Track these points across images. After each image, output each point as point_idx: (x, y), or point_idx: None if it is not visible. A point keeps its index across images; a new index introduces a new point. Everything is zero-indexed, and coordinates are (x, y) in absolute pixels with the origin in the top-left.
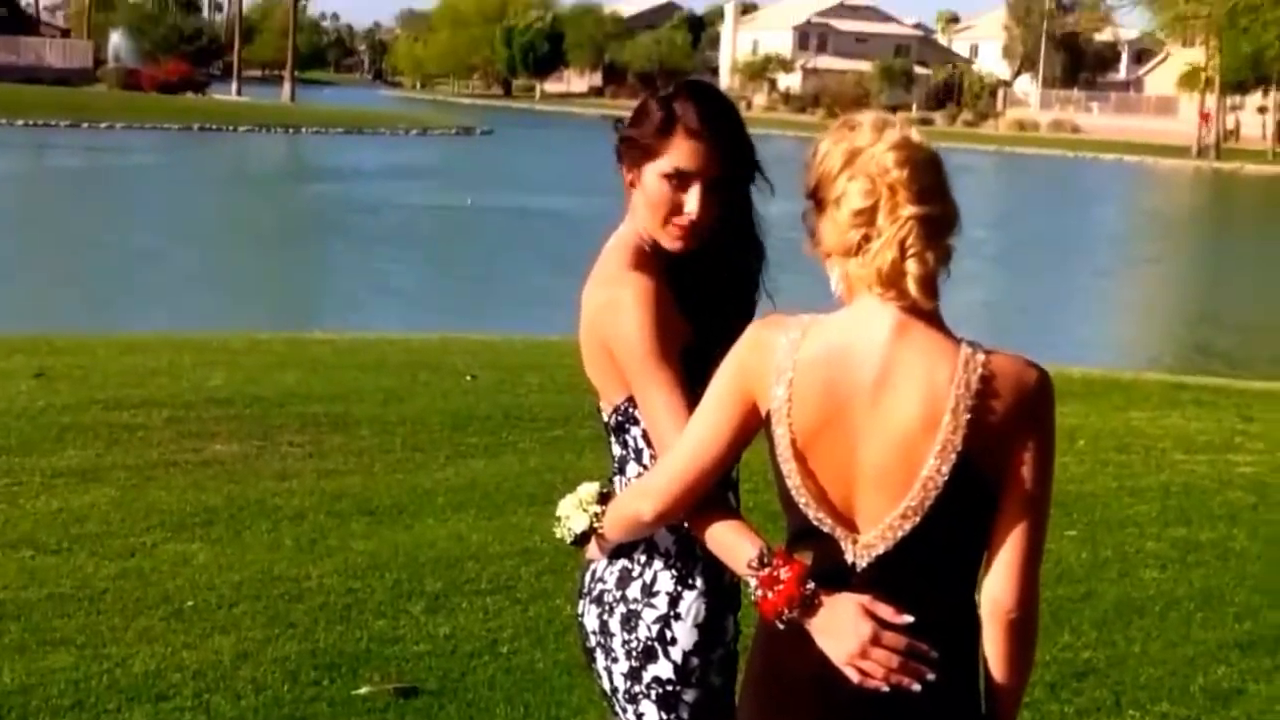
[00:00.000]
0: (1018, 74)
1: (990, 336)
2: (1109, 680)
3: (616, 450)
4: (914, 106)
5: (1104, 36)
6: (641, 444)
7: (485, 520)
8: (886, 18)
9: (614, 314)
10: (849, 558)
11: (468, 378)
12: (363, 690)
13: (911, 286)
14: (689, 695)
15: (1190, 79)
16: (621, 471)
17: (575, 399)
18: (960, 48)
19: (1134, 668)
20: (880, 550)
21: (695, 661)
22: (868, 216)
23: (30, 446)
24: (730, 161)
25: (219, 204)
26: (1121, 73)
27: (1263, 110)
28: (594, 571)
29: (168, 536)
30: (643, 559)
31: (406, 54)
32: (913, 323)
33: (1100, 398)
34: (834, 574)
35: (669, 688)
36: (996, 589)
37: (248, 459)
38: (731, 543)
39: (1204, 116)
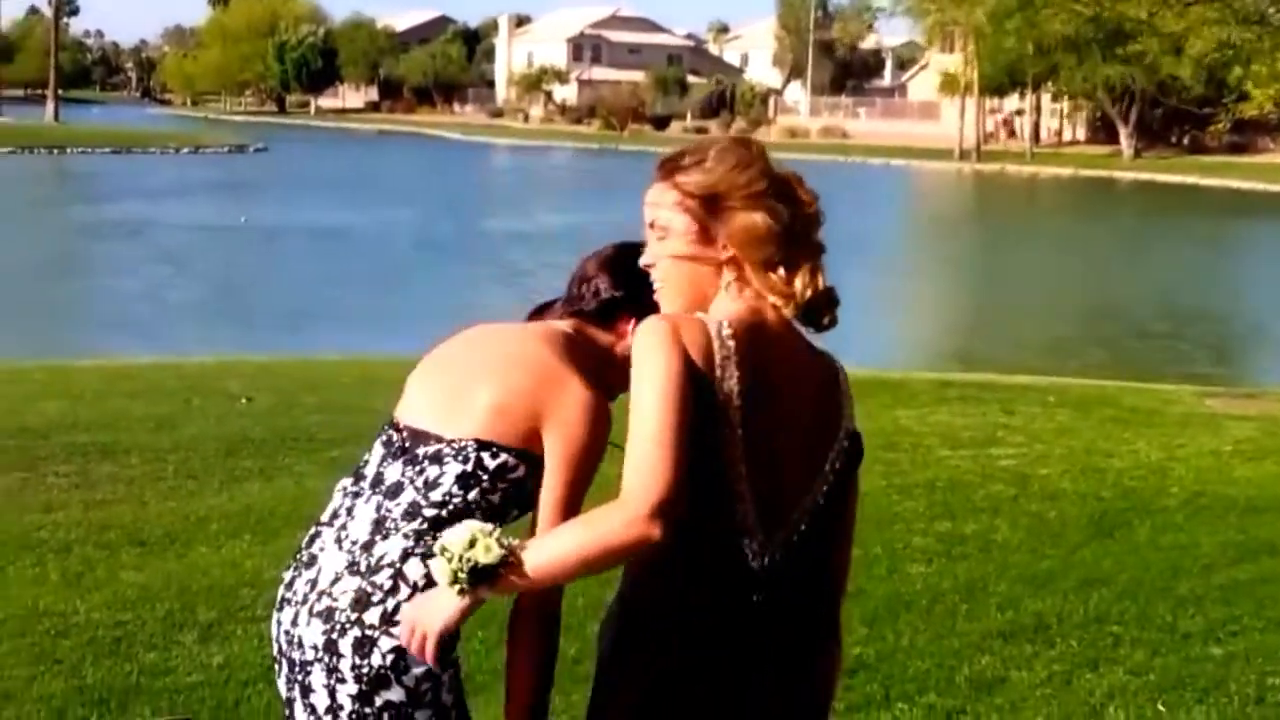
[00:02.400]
0: (787, 82)
1: None
2: (879, 675)
3: (436, 495)
4: (688, 115)
5: (868, 44)
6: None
7: (260, 545)
8: (658, 28)
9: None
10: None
11: (243, 400)
12: None
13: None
14: (421, 716)
15: (950, 84)
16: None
17: (353, 419)
18: (731, 57)
19: (902, 661)
20: (780, 554)
21: (427, 685)
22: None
23: None
24: None
25: None
26: (886, 79)
27: (1020, 114)
28: (313, 582)
29: None
30: (387, 585)
31: (176, 71)
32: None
33: (869, 397)
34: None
35: (402, 711)
36: None
37: (11, 492)
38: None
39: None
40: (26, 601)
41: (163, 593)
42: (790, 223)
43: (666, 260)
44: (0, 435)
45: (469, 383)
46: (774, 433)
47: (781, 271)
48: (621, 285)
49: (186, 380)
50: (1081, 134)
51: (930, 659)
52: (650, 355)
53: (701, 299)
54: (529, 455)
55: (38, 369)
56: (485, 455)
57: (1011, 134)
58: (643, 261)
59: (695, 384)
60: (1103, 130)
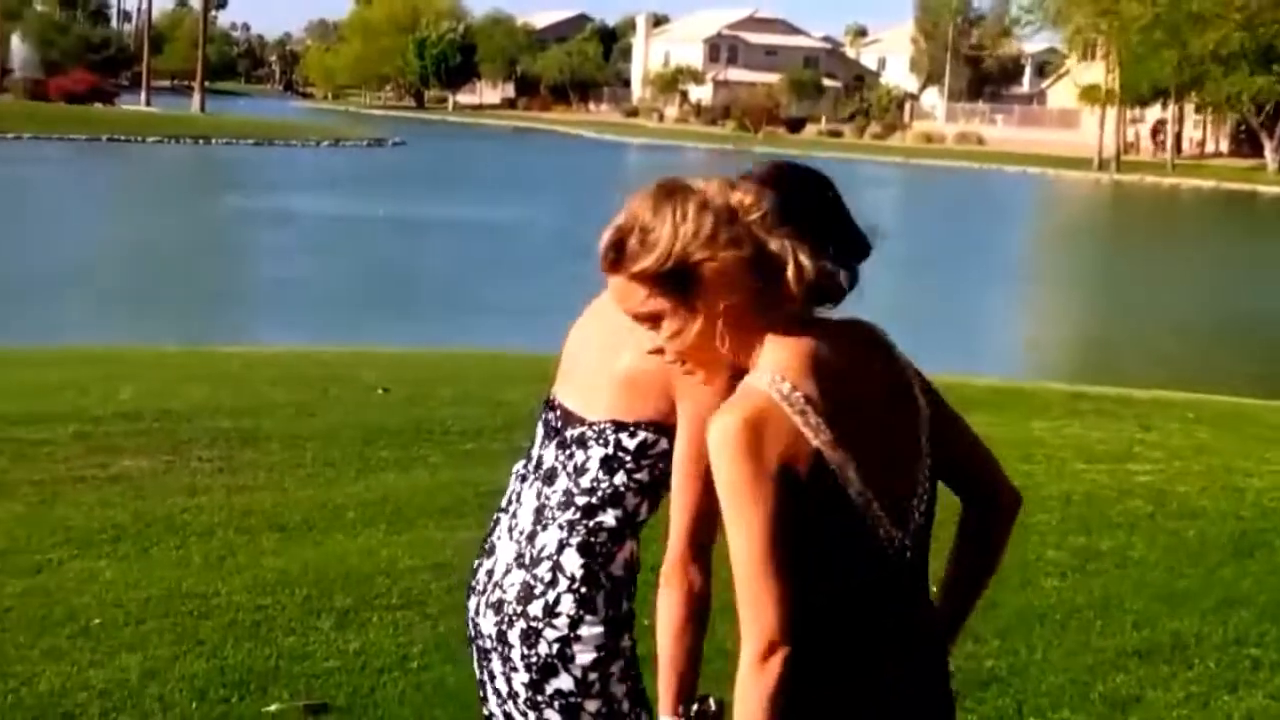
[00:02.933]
0: (924, 87)
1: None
2: (1011, 689)
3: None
4: (823, 119)
5: (1007, 51)
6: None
7: (395, 535)
8: (795, 30)
9: None
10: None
11: (379, 391)
12: (272, 708)
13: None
14: (591, 705)
15: (1091, 93)
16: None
17: (487, 411)
18: (868, 60)
19: (1035, 676)
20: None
21: (595, 676)
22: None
23: None
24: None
25: (126, 216)
26: (1025, 86)
27: (1162, 124)
28: (490, 572)
29: (75, 553)
30: (547, 578)
31: (317, 64)
32: None
33: (1005, 408)
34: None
35: (571, 699)
36: None
37: (156, 474)
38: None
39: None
40: (170, 583)
41: (301, 578)
42: (754, 235)
43: (678, 347)
44: (146, 418)
45: (604, 355)
46: (873, 439)
47: (778, 285)
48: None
49: (325, 369)
50: (1224, 146)
51: (1064, 674)
52: (735, 484)
53: (733, 355)
54: (665, 428)
55: (183, 354)
56: (624, 436)
57: (1160, 144)
58: (654, 351)
59: (790, 482)
60: (1246, 143)
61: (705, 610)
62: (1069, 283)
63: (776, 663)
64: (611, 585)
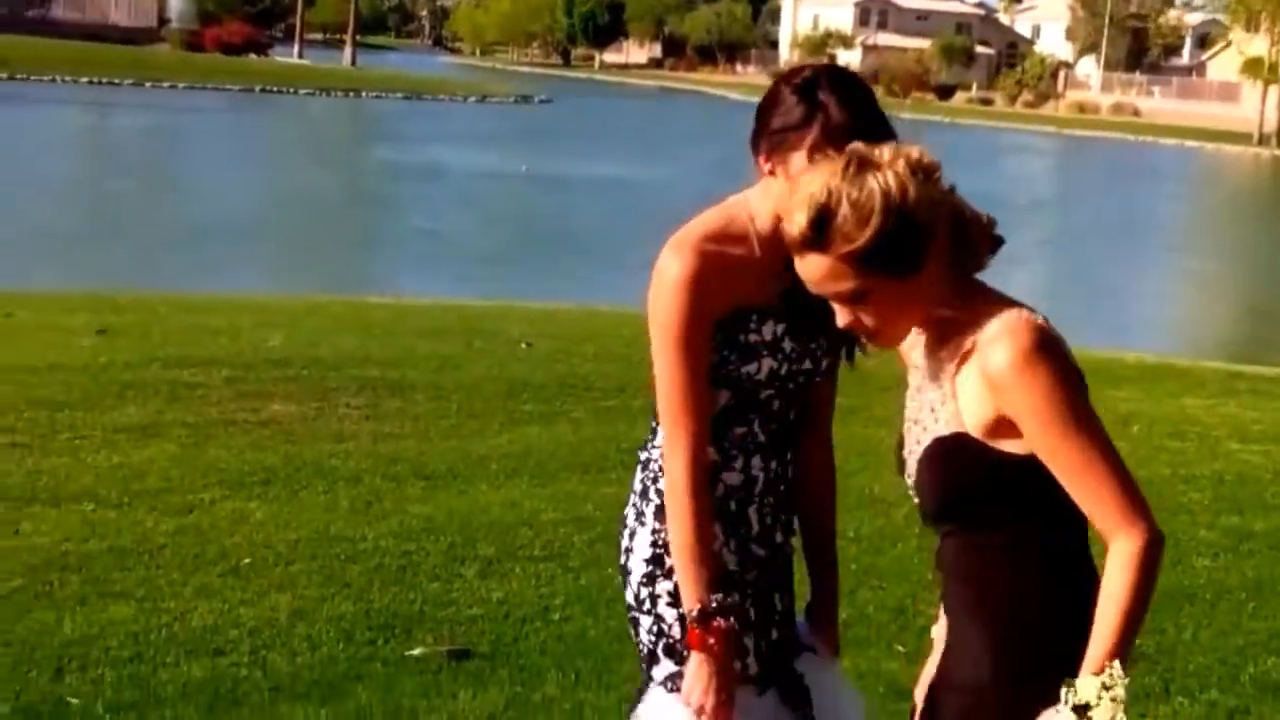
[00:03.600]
0: (1080, 56)
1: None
2: (1159, 667)
3: None
4: (974, 86)
5: (1168, 21)
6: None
7: (539, 487)
8: None
9: (656, 281)
10: None
11: (523, 345)
12: (416, 651)
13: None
14: (644, 622)
15: (1254, 66)
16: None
17: (630, 369)
18: (1022, 27)
19: (1184, 655)
20: None
21: (645, 592)
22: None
23: (92, 402)
24: None
25: (277, 167)
26: (1185, 58)
27: None
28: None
29: (226, 494)
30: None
31: (467, 20)
32: None
33: (1155, 383)
34: None
35: (630, 613)
36: None
37: (305, 420)
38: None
39: None
40: (318, 526)
41: (445, 526)
42: (947, 193)
43: (881, 321)
44: (295, 365)
45: None
46: None
47: (968, 241)
48: None
49: (469, 322)
50: None
51: (1213, 655)
52: (1058, 384)
53: (924, 319)
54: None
55: (331, 303)
56: None
57: None
58: (848, 326)
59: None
60: None
61: None
62: (1226, 259)
63: (1157, 531)
64: (660, 501)
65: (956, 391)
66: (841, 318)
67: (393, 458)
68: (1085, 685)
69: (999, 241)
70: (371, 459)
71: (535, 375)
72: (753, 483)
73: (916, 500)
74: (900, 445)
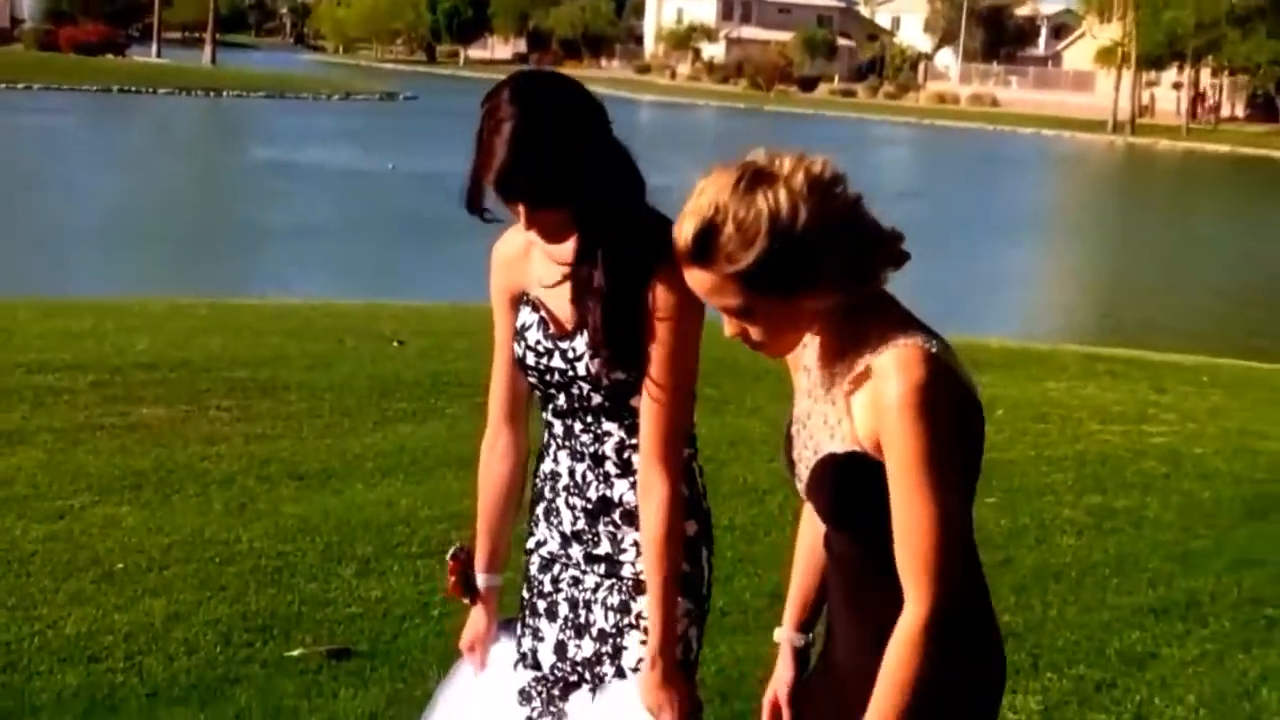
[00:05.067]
0: (938, 47)
1: (909, 308)
2: (1027, 644)
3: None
4: (835, 78)
5: (1024, 11)
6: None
7: (414, 485)
8: None
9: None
10: None
11: (395, 343)
12: (295, 652)
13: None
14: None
15: (1107, 55)
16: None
17: None
18: (882, 20)
19: (1051, 631)
20: None
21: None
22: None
23: None
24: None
25: (138, 168)
26: (1040, 48)
27: (1178, 87)
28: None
29: (96, 499)
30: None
31: (329, 17)
32: None
33: (1017, 368)
34: None
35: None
36: None
37: (175, 423)
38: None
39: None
40: (192, 529)
41: (321, 526)
42: (850, 205)
43: (767, 335)
44: (163, 368)
45: None
46: None
47: (869, 256)
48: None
49: (338, 320)
50: (1240, 110)
51: (1080, 631)
52: (930, 437)
53: (817, 330)
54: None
55: (199, 305)
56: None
57: (1207, 109)
58: (735, 336)
59: (973, 440)
60: (1263, 108)
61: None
62: (1082, 245)
63: (938, 630)
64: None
65: (851, 410)
66: (728, 329)
67: (265, 458)
68: None
69: (903, 257)
70: (244, 460)
71: (408, 373)
72: (557, 476)
73: (808, 502)
74: (789, 444)
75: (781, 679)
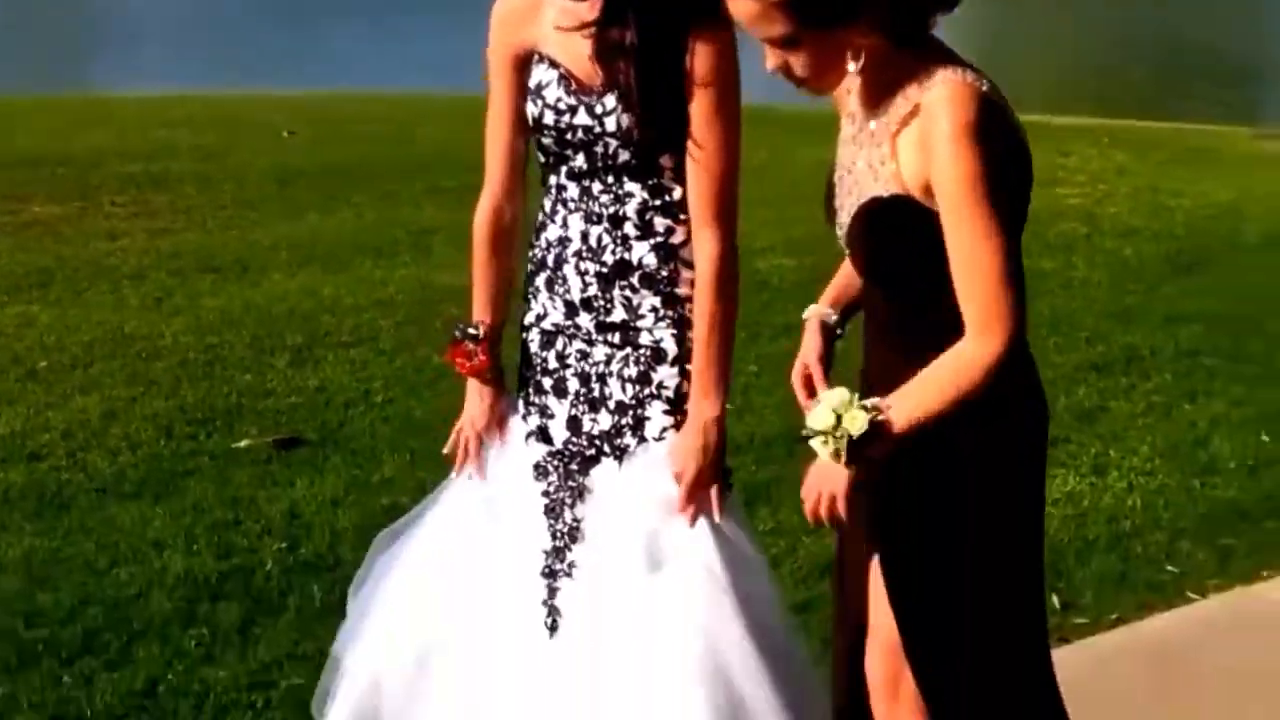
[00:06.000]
0: None
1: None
2: None
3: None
4: None
5: None
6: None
7: (333, 274)
8: None
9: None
10: None
11: (285, 133)
12: (243, 443)
13: None
14: None
15: None
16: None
17: (402, 152)
18: None
19: None
20: None
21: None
22: None
23: None
24: None
25: None
26: None
27: None
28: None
29: (4, 299)
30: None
31: None
32: None
33: None
34: None
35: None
36: None
37: (71, 220)
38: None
39: None
40: (110, 325)
41: (244, 318)
42: None
43: (811, 70)
44: (49, 164)
45: None
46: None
47: None
48: None
49: (222, 111)
50: None
51: None
52: (981, 170)
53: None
54: None
55: (71, 100)
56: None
57: None
58: (777, 70)
59: (1020, 168)
60: None
61: None
62: (972, 5)
63: (1008, 354)
64: None
65: (897, 152)
66: (770, 61)
67: (173, 252)
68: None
69: (953, 1)
70: (151, 255)
71: (305, 162)
72: (566, 242)
73: (848, 253)
74: (830, 194)
75: (809, 348)
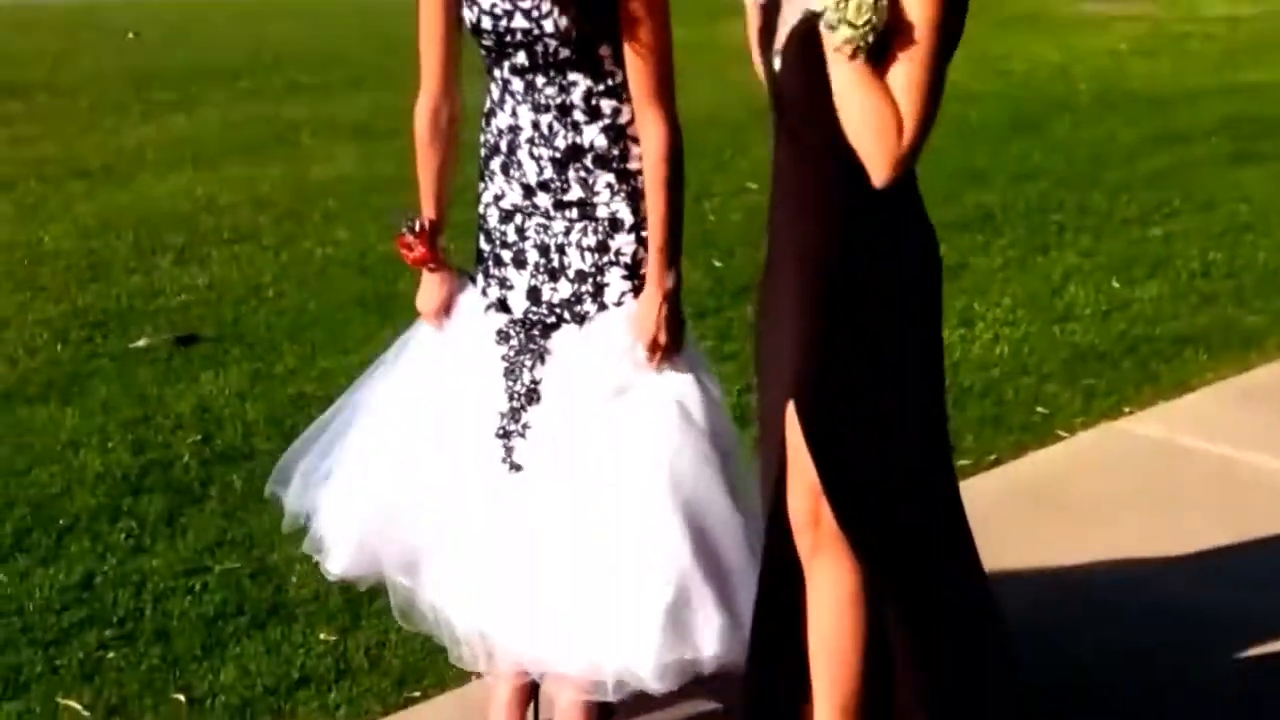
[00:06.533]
0: None
1: None
2: None
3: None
4: None
5: None
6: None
7: (206, 173)
8: None
9: None
10: None
11: (130, 35)
12: (141, 343)
13: None
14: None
15: None
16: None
17: (257, 50)
18: None
19: None
20: None
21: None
22: None
23: None
24: None
25: None
26: None
27: None
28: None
29: None
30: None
31: None
32: None
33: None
34: None
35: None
36: None
37: None
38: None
39: None
40: None
41: (122, 220)
42: None
43: None
44: None
45: None
46: None
47: None
48: None
49: (59, 17)
50: None
51: None
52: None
53: None
54: None
55: None
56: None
57: None
58: None
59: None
60: None
61: None
62: None
63: (897, 173)
64: None
65: None
66: None
67: (39, 159)
68: None
69: None
70: (15, 164)
71: (157, 64)
72: (517, 130)
73: (774, 88)
74: (763, 36)
75: None
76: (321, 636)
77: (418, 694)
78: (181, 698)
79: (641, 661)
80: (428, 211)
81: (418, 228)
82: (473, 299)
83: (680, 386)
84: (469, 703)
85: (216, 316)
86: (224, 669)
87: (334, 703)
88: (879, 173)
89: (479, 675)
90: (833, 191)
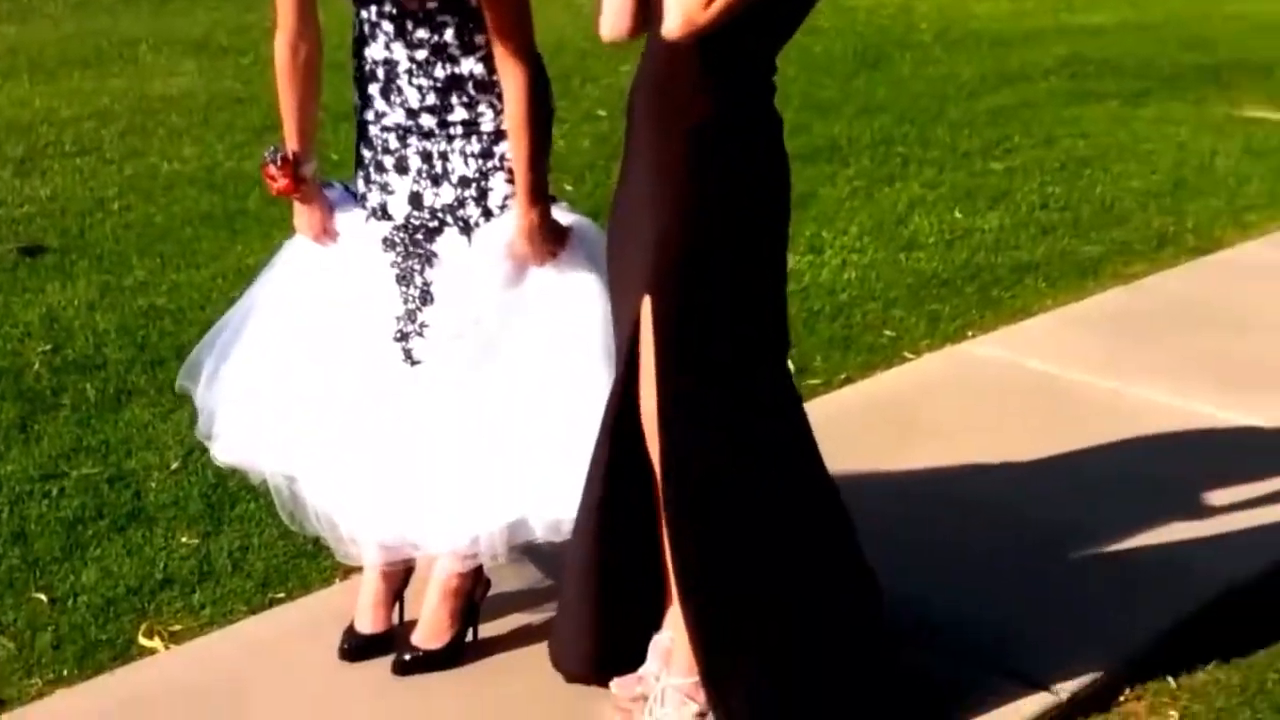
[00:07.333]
0: None
1: None
2: None
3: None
4: None
5: None
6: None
7: (42, 85)
8: None
9: None
10: None
11: None
12: None
13: None
14: None
15: None
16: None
17: None
18: None
19: None
20: None
21: None
22: None
23: None
24: None
25: None
26: None
27: None
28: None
29: None
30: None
31: None
32: None
33: None
34: None
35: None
36: None
37: None
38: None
39: None
40: None
41: None
42: None
43: None
44: None
45: None
46: None
47: None
48: None
49: None
50: None
51: None
52: None
53: None
54: None
55: None
56: None
57: None
58: None
59: None
60: None
61: None
62: None
63: (690, 35)
64: None
65: None
66: None
67: None
68: None
69: None
70: None
71: None
72: (393, 63)
73: None
74: None
75: None
76: (183, 540)
77: (282, 595)
78: (43, 596)
79: (533, 513)
80: (291, 144)
81: (279, 160)
82: (351, 215)
83: (569, 280)
84: (333, 605)
85: (61, 228)
86: (85, 570)
87: (198, 603)
88: (670, 22)
89: (342, 578)
90: (692, 78)
